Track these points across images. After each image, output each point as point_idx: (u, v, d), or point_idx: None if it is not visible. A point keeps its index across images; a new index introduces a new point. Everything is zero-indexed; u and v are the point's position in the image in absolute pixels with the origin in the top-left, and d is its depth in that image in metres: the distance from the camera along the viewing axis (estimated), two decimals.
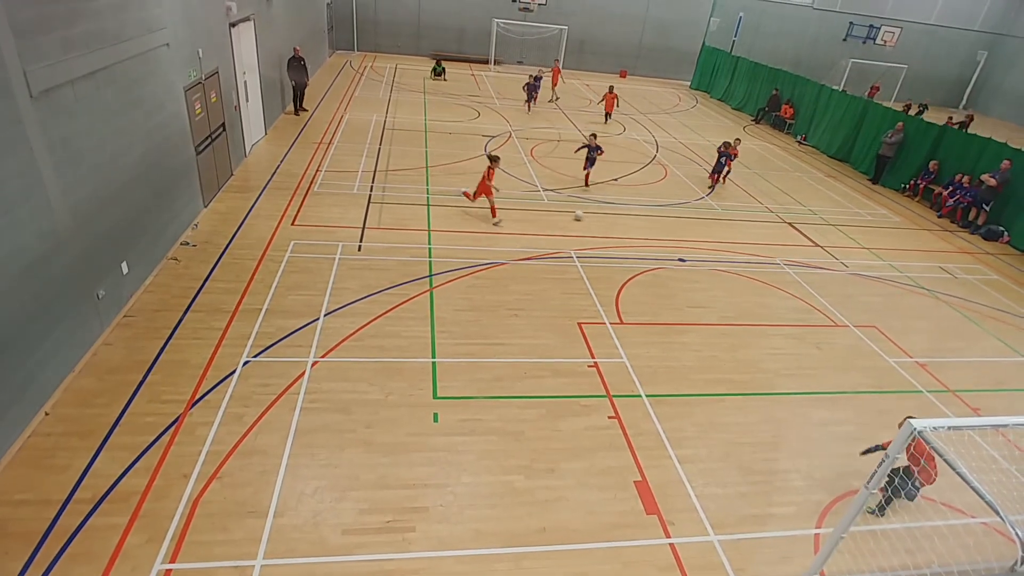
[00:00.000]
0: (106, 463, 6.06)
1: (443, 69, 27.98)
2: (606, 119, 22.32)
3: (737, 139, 17.13)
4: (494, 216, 12.61)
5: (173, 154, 10.16)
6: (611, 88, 22.36)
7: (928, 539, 6.30)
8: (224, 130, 12.81)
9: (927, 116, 22.19)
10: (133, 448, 6.27)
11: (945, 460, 4.16)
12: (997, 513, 3.92)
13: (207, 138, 11.78)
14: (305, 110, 19.29)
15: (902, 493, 6.38)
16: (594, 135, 15.74)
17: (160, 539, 5.39)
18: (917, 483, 6.28)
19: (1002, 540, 6.26)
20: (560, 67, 26.53)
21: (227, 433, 6.61)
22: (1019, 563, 4.01)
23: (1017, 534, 3.90)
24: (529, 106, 23.29)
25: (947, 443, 4.30)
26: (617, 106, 22.53)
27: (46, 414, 6.54)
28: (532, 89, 22.96)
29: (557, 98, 25.44)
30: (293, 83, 18.64)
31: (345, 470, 6.35)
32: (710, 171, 17.29)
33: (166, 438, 6.46)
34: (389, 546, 5.61)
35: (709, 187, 16.73)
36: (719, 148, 16.76)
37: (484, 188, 12.56)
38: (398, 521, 5.86)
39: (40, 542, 5.23)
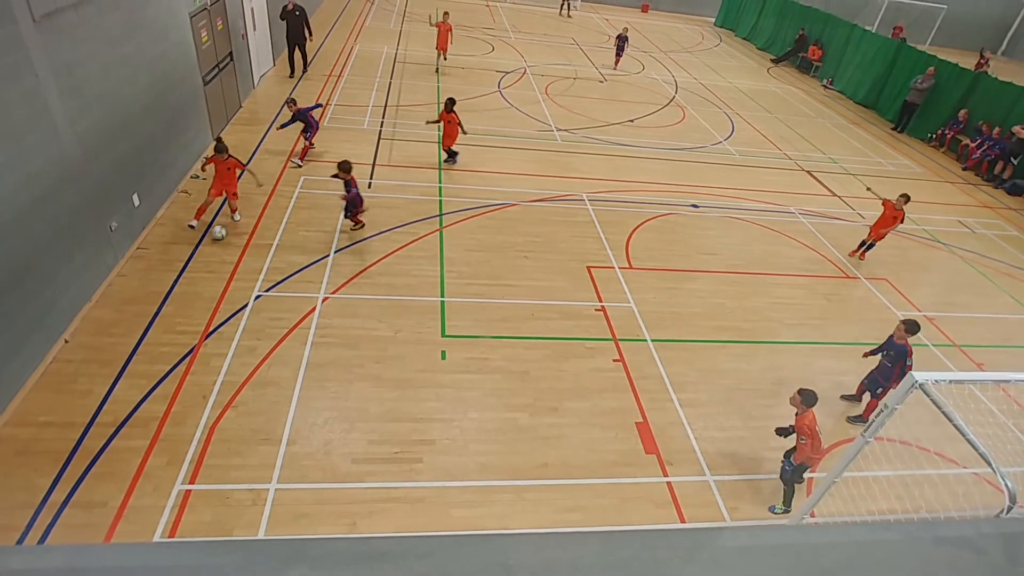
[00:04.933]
0: (125, 389, 6.29)
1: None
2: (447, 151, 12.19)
3: (903, 195, 10.28)
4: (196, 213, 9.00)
5: (180, 84, 9.97)
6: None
7: (919, 486, 6.48)
8: (232, 60, 12.49)
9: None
10: (151, 376, 6.48)
11: (943, 412, 4.22)
12: (989, 464, 4.01)
13: (214, 67, 11.51)
14: (306, 69, 15.98)
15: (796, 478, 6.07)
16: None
17: (179, 462, 5.66)
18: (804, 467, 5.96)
19: (991, 490, 6.43)
20: (450, 24, 17.23)
21: (240, 364, 6.80)
22: (1005, 511, 4.13)
23: (1006, 484, 4.01)
24: (616, 62, 20.64)
25: (947, 396, 4.35)
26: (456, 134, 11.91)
27: (66, 341, 6.74)
28: (620, 45, 20.35)
29: (443, 59, 17.74)
30: (288, 40, 15.17)
31: (355, 403, 6.56)
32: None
33: (182, 367, 6.66)
34: (397, 475, 5.86)
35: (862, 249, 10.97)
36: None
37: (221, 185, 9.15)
38: (406, 452, 6.09)
39: (66, 461, 5.51)
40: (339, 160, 9.20)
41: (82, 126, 7.08)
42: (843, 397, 7.67)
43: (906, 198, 10.24)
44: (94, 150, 7.36)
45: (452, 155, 12.16)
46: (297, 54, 15.60)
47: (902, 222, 10.34)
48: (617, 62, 20.61)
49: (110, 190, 7.77)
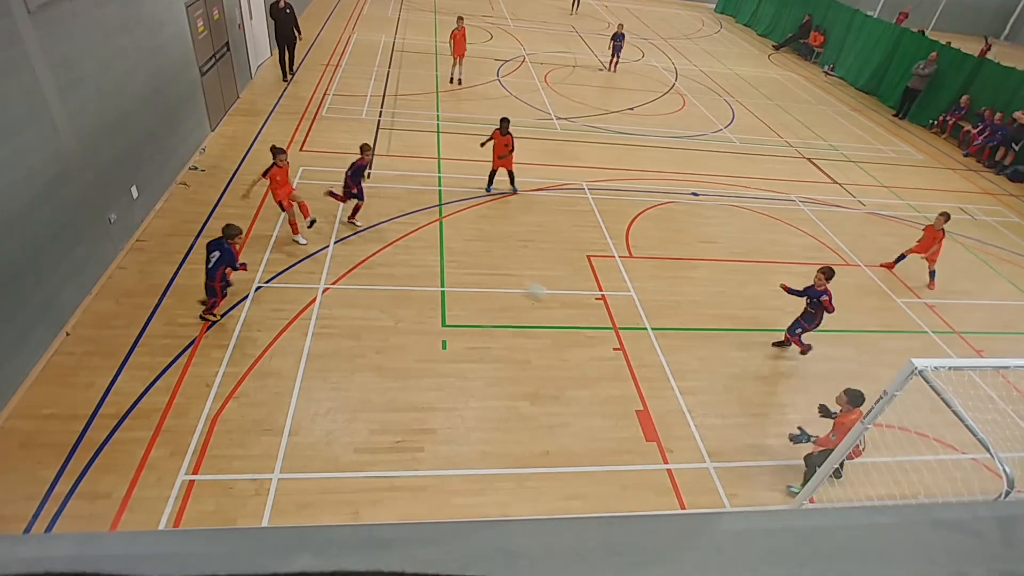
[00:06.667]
0: (127, 381, 6.31)
1: None
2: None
3: (942, 215, 9.85)
4: (295, 232, 8.85)
5: (177, 75, 9.91)
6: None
7: (917, 472, 6.52)
8: (228, 50, 12.41)
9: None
10: (152, 368, 6.50)
11: (942, 399, 4.24)
12: (987, 449, 4.04)
13: (211, 58, 11.44)
14: (292, 73, 14.95)
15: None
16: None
17: (182, 453, 5.69)
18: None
19: (989, 475, 6.47)
20: (464, 27, 15.33)
21: (242, 356, 6.82)
22: (1003, 496, 4.16)
23: (1004, 469, 4.03)
24: (612, 64, 18.89)
25: (946, 383, 4.37)
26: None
27: (67, 334, 6.75)
28: (617, 43, 18.45)
29: (459, 80, 15.98)
30: (277, 40, 14.31)
31: (356, 393, 6.58)
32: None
33: (183, 359, 6.68)
34: (399, 464, 5.89)
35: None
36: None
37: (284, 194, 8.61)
38: (407, 441, 6.13)
39: (70, 453, 5.54)
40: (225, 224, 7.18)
41: (80, 120, 7.05)
42: (774, 344, 8.20)
43: (945, 217, 9.75)
44: (93, 143, 7.34)
45: (511, 180, 10.84)
46: (287, 55, 14.56)
47: (942, 238, 9.79)
48: (614, 63, 18.84)
49: (109, 183, 7.76)
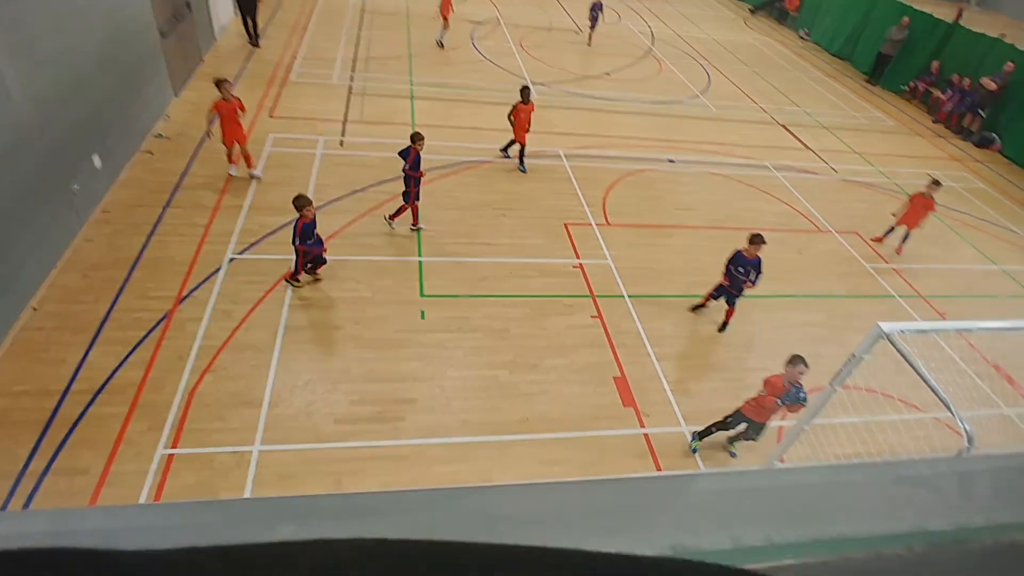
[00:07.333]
0: (100, 356, 6.19)
1: None
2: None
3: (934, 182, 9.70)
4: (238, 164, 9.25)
5: (136, 37, 9.47)
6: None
7: (883, 431, 6.79)
8: (189, 10, 11.87)
9: None
10: (125, 342, 6.38)
11: (907, 361, 4.39)
12: (949, 408, 4.21)
13: (171, 19, 10.94)
14: (258, 38, 14.16)
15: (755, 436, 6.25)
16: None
17: (160, 427, 5.64)
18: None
19: (950, 433, 6.75)
20: None
21: (217, 329, 6.73)
22: (963, 452, 4.37)
23: (965, 427, 4.22)
24: (589, 36, 18.00)
25: (911, 345, 4.52)
26: None
27: (34, 309, 6.57)
28: (595, 13, 17.65)
29: (446, 31, 15.68)
30: (240, 5, 13.64)
31: (335, 364, 6.56)
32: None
33: (157, 333, 6.56)
34: (380, 434, 5.93)
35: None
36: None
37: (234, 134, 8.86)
38: (388, 411, 6.16)
39: (44, 430, 5.45)
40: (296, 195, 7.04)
41: (35, 84, 6.72)
42: (693, 308, 8.13)
43: (936, 185, 9.57)
44: (49, 109, 7.02)
45: (509, 149, 10.83)
46: (249, 22, 13.74)
47: (933, 210, 9.75)
48: (591, 35, 17.95)
49: (69, 151, 7.45)
